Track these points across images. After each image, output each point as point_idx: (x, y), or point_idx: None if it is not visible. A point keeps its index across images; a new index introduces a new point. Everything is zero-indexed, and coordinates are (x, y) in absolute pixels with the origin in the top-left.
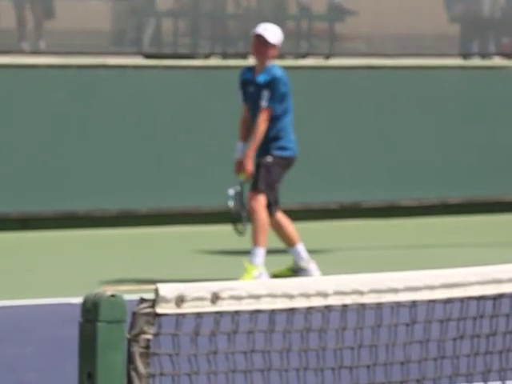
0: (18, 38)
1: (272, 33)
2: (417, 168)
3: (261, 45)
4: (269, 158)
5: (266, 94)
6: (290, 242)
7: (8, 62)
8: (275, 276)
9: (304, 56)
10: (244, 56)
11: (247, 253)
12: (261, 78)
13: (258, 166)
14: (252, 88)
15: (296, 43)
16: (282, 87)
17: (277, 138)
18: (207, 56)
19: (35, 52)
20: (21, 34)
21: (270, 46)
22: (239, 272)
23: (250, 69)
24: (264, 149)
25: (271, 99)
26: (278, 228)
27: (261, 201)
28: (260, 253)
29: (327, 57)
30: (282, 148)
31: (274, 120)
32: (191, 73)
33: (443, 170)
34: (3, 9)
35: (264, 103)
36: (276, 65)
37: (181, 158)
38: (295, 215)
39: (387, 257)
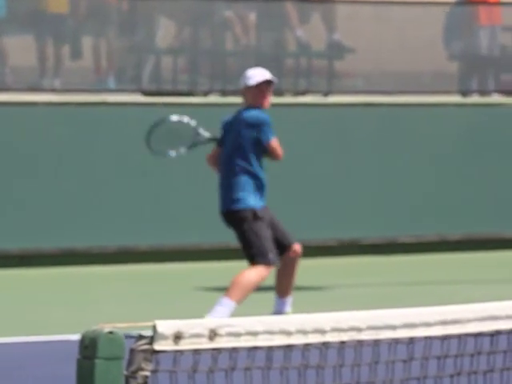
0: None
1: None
2: (416, 205)
3: (267, 91)
4: None
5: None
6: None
7: (5, 100)
8: None
9: (303, 93)
10: None
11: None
12: None
13: (274, 218)
14: None
15: (295, 80)
16: None
17: None
18: (206, 93)
19: (34, 89)
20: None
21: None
22: (238, 309)
23: None
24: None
25: None
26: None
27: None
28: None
29: (326, 94)
30: None
31: None
32: (190, 110)
33: (442, 207)
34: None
35: None
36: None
37: (181, 194)
38: None
39: (385, 294)
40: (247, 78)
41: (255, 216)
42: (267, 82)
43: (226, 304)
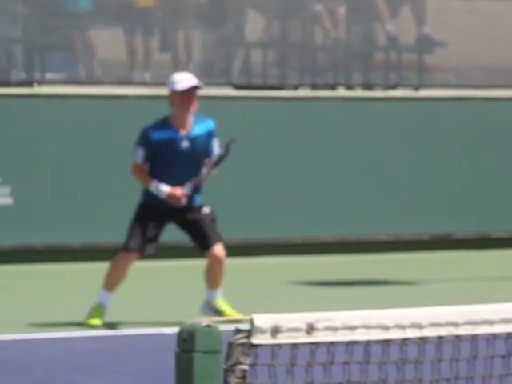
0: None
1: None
2: (508, 200)
3: (195, 96)
4: (207, 209)
5: (217, 141)
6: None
7: (95, 93)
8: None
9: (393, 87)
10: (333, 87)
11: (340, 284)
12: (198, 131)
13: (199, 219)
14: (184, 144)
15: (385, 74)
16: None
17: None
18: (296, 87)
19: (125, 82)
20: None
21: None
22: (334, 303)
23: (164, 126)
24: (194, 199)
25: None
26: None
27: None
28: None
29: (417, 88)
30: None
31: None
32: (280, 104)
33: None
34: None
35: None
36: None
37: (272, 188)
38: (387, 246)
39: (478, 288)
40: (174, 83)
41: (141, 209)
42: (194, 87)
43: (101, 292)
